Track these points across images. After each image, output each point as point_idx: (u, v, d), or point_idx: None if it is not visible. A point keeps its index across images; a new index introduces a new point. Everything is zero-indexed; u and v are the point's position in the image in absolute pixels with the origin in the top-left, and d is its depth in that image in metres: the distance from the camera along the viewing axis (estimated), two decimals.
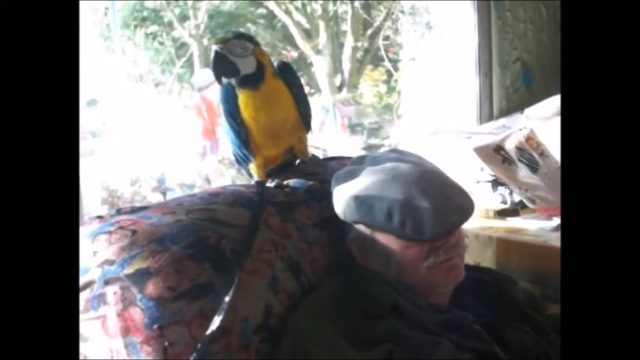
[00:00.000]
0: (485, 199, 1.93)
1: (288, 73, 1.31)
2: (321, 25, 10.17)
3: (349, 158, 1.38)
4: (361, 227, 1.16)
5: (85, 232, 1.07)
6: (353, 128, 9.02)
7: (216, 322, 0.99)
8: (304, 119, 1.33)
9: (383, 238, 1.13)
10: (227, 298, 1.01)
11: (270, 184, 1.30)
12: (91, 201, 5.13)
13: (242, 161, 1.34)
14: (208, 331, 0.98)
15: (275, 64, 1.29)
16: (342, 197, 1.17)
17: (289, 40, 10.84)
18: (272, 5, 10.28)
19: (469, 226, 1.74)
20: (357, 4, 9.59)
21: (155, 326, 0.97)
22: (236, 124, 1.27)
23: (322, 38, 10.19)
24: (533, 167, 1.84)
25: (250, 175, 1.35)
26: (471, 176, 1.95)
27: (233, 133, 1.29)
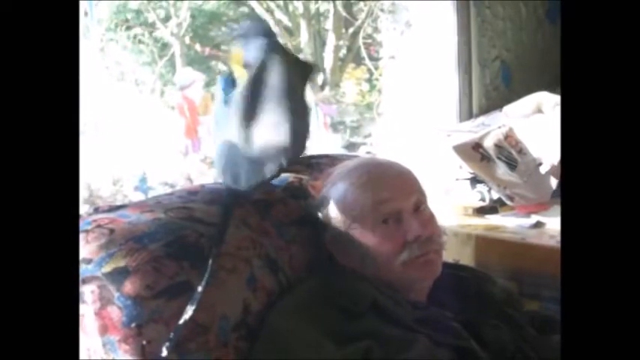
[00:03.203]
0: (464, 197, 1.94)
1: None
2: (303, 23, 10.18)
3: (331, 156, 1.38)
4: (338, 225, 1.16)
5: None
6: (335, 126, 9.01)
7: (189, 311, 0.98)
8: None
9: (357, 233, 1.14)
10: (200, 288, 1.01)
11: None
12: None
13: None
14: (181, 321, 0.98)
15: None
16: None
17: None
18: (254, 4, 10.27)
19: (448, 223, 1.76)
20: (338, 2, 9.60)
21: (133, 325, 0.96)
22: None
23: (304, 37, 10.19)
24: (511, 165, 1.85)
25: None
26: (450, 174, 1.96)
27: None
